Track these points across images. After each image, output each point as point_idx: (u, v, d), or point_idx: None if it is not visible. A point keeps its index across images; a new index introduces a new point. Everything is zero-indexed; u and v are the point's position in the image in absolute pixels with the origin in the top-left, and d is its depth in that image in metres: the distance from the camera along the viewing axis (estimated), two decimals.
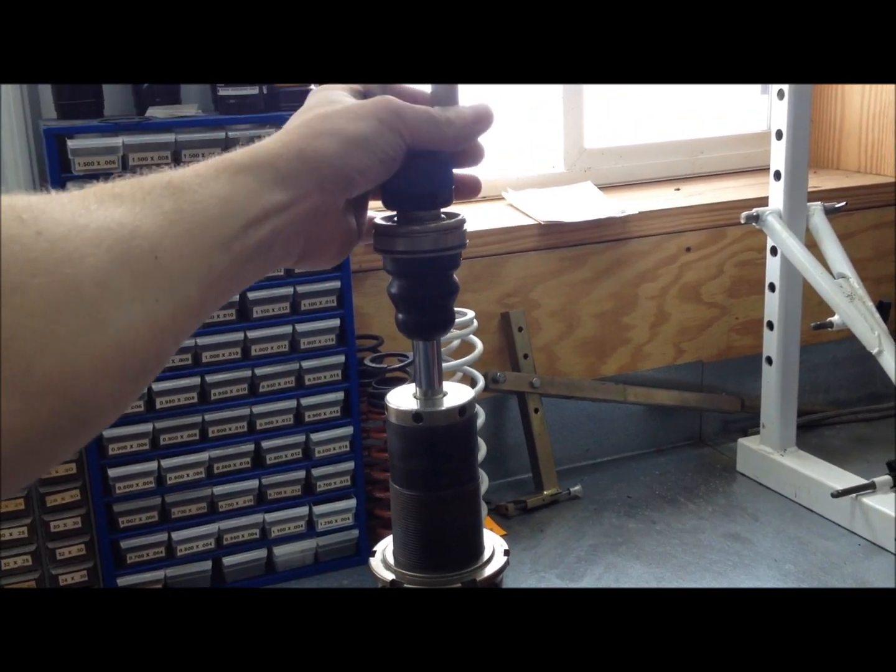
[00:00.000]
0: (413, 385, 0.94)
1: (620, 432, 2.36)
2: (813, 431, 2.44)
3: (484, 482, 1.95)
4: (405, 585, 0.90)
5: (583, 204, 2.27)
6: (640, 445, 2.39)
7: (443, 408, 0.91)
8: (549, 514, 2.09)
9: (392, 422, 0.91)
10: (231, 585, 1.78)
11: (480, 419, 1.92)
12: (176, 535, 1.73)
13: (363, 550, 1.86)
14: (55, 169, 1.57)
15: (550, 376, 2.21)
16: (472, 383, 1.92)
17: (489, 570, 0.93)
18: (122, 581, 1.70)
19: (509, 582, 1.84)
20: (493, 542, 0.98)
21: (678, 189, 2.47)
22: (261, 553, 1.80)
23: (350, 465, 1.83)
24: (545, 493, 2.13)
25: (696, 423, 2.45)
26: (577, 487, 2.17)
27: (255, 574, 1.80)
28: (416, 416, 0.89)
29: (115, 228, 0.43)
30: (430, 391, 0.94)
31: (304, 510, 1.81)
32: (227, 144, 1.65)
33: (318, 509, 1.82)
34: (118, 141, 1.59)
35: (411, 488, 0.90)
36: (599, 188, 2.38)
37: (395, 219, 0.79)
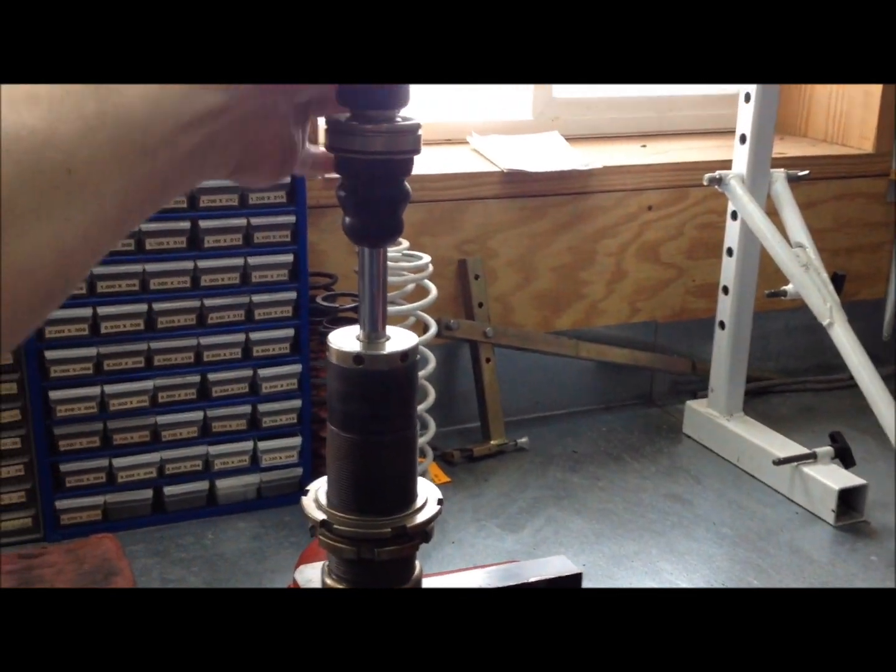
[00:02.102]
0: (357, 327, 0.93)
1: (571, 387, 2.37)
2: (761, 398, 2.46)
3: (431, 428, 1.95)
4: (335, 526, 0.90)
5: (548, 154, 2.25)
6: (590, 401, 2.40)
7: (385, 352, 0.89)
8: (495, 463, 2.10)
9: (333, 362, 0.89)
10: (172, 515, 1.77)
11: (431, 365, 1.91)
12: (117, 462, 1.71)
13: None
14: None
15: (504, 326, 2.20)
16: (425, 329, 1.91)
17: (420, 518, 0.93)
18: (61, 504, 1.69)
19: (450, 530, 1.85)
20: (427, 491, 0.97)
21: (644, 146, 2.45)
22: (203, 485, 1.79)
23: (297, 402, 1.81)
24: (492, 442, 2.14)
25: (646, 382, 2.46)
26: (524, 439, 2.17)
27: (196, 505, 1.79)
28: (357, 358, 0.88)
29: (25, 137, 0.39)
30: (374, 334, 0.92)
31: (248, 445, 1.80)
32: None
33: (262, 445, 1.81)
34: None
35: (348, 431, 0.88)
36: (566, 139, 2.36)
37: (350, 117, 0.77)
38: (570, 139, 2.38)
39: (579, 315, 2.34)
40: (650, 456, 2.18)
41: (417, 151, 0.84)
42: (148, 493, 1.75)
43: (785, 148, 2.47)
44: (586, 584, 0.99)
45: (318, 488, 0.96)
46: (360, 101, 0.80)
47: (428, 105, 2.33)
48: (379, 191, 0.85)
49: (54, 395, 1.64)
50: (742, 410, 2.24)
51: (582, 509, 1.93)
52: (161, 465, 1.75)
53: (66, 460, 1.69)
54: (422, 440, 1.90)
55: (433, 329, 1.90)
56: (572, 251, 2.27)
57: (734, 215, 2.11)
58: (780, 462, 2.00)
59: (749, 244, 2.10)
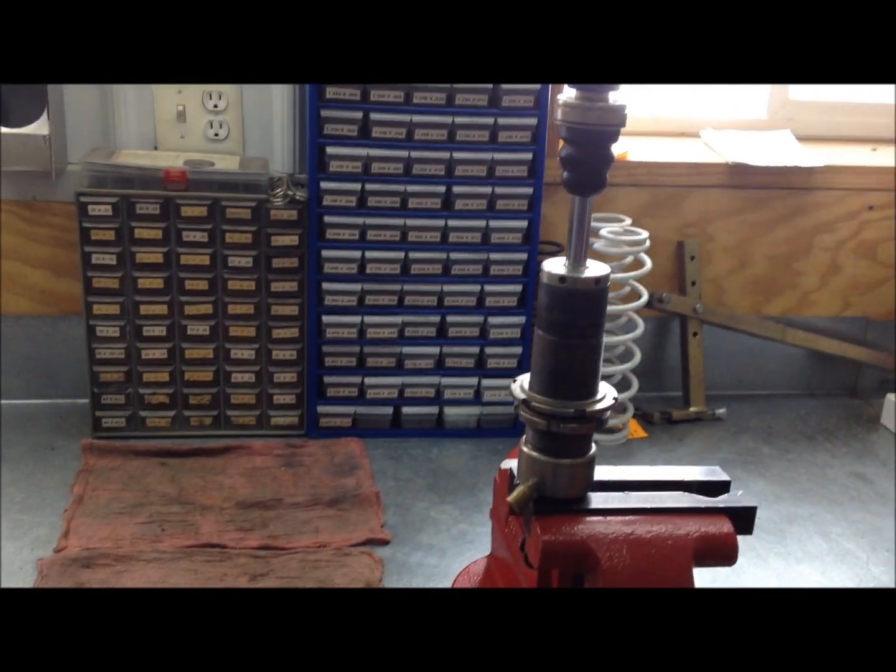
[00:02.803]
0: (564, 257, 1.22)
1: (776, 371, 2.52)
2: None
3: (634, 386, 2.19)
4: (532, 404, 1.19)
5: (775, 150, 2.40)
6: (793, 386, 2.54)
7: (583, 276, 1.18)
8: (691, 428, 2.31)
9: (544, 281, 1.20)
10: (406, 431, 2.12)
11: (639, 330, 2.15)
12: (367, 381, 2.07)
13: (519, 425, 2.14)
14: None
15: (714, 306, 2.39)
16: (637, 298, 2.15)
17: (598, 406, 1.21)
18: (321, 409, 2.07)
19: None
20: (607, 390, 1.25)
21: (874, 149, 2.55)
22: (433, 409, 2.12)
23: (518, 349, 2.10)
24: (691, 409, 2.34)
25: (853, 375, 2.57)
26: (722, 410, 2.36)
27: (426, 426, 2.13)
28: (561, 278, 1.18)
29: None
30: (577, 262, 1.22)
31: (473, 380, 2.11)
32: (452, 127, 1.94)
33: (486, 382, 2.11)
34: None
35: (550, 334, 1.18)
36: (799, 139, 2.49)
37: (574, 97, 1.09)
38: (802, 139, 2.51)
39: (790, 303, 2.48)
40: (843, 439, 2.30)
41: (622, 125, 1.15)
42: (389, 410, 2.10)
43: None
44: (757, 534, 1.21)
45: (523, 379, 1.26)
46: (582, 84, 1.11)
47: (667, 99, 2.55)
48: (591, 153, 1.16)
49: (326, 319, 2.02)
50: None
51: (766, 474, 2.10)
52: (401, 388, 2.09)
53: (329, 374, 2.06)
54: (623, 396, 2.14)
55: (644, 297, 2.13)
56: (789, 242, 2.42)
57: None
58: None
59: None
